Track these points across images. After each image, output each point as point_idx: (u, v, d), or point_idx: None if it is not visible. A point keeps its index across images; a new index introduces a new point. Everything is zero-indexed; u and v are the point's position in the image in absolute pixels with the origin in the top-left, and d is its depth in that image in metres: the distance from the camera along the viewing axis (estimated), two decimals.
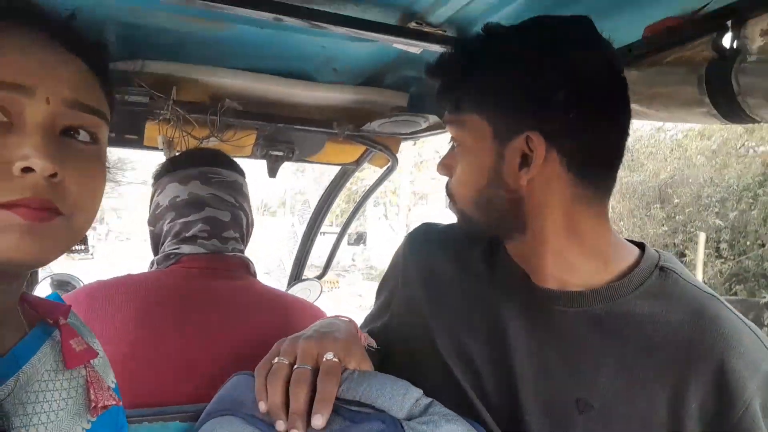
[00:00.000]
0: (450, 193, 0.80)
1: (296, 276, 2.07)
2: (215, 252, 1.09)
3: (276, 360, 0.68)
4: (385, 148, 1.54)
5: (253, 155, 1.50)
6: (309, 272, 2.19)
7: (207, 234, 1.09)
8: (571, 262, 0.73)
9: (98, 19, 1.03)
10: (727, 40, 0.72)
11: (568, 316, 0.72)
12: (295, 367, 0.66)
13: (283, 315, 1.07)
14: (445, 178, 0.82)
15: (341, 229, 2.05)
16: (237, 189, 1.15)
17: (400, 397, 0.62)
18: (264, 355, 0.79)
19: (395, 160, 1.61)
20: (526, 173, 0.69)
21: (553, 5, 0.91)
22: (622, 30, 0.85)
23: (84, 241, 0.66)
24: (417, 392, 0.64)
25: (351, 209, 2.03)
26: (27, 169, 0.50)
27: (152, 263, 1.13)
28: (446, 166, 0.80)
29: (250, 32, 1.09)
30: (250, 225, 1.20)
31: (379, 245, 18.06)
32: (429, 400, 0.64)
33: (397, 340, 0.85)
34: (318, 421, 0.60)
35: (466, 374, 0.75)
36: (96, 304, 0.96)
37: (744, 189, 10.84)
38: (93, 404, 0.62)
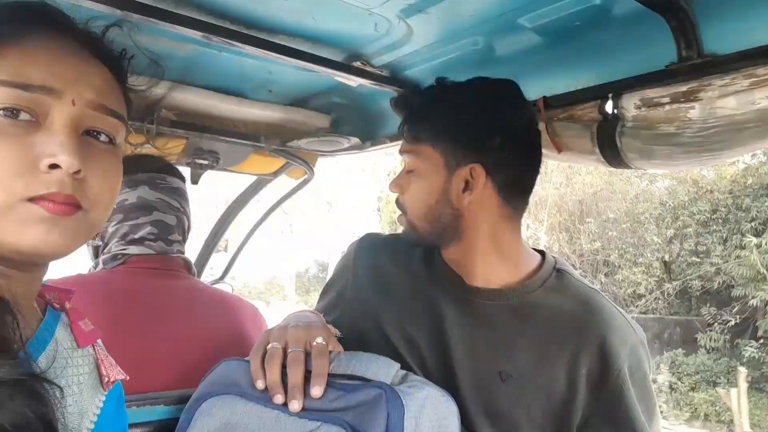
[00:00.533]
0: (402, 208, 0.99)
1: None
2: (161, 253, 1.16)
3: (270, 345, 0.80)
4: (304, 162, 1.67)
5: (178, 162, 1.55)
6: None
7: (154, 236, 1.15)
8: (494, 265, 0.95)
9: None
10: (609, 108, 0.97)
11: (492, 307, 0.93)
12: (290, 350, 0.79)
13: (229, 309, 1.18)
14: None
15: (246, 235, 2.12)
16: (181, 195, 1.23)
17: (385, 368, 0.78)
18: (220, 345, 0.90)
19: (312, 173, 1.74)
20: (469, 195, 0.91)
21: (469, 67, 1.12)
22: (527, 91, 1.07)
23: (98, 234, 0.70)
24: (396, 365, 0.80)
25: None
26: (53, 166, 0.53)
27: (97, 263, 1.16)
28: (399, 185, 1.00)
29: (195, 50, 1.17)
30: (189, 229, 1.27)
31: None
32: (404, 371, 0.80)
33: (350, 333, 1.00)
34: (316, 392, 0.74)
35: (413, 356, 0.95)
36: None
37: (678, 206, 10.91)
38: (105, 379, 0.69)
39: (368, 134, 1.54)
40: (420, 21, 0.97)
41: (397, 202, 1.02)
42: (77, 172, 0.55)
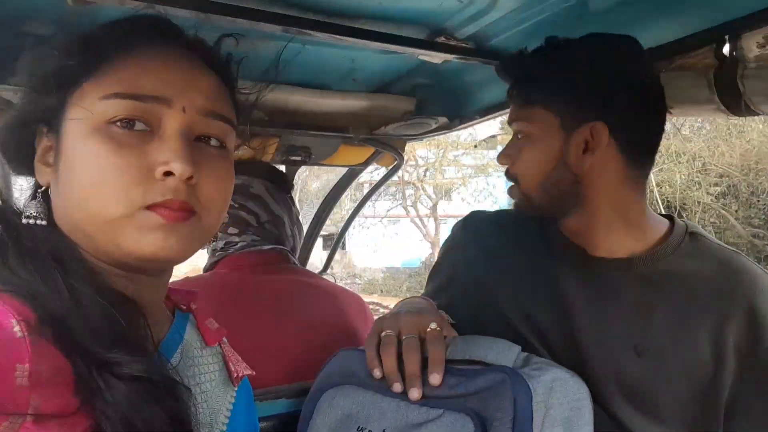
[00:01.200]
0: (513, 179, 0.93)
1: None
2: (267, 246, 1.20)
3: (384, 333, 0.79)
4: (393, 149, 1.65)
5: (273, 161, 1.59)
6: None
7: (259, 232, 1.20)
8: (619, 233, 0.88)
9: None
10: (726, 51, 0.87)
11: (620, 278, 0.86)
12: (404, 337, 0.77)
13: (335, 301, 1.19)
14: None
15: (344, 225, 2.15)
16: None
17: (506, 351, 0.74)
18: (331, 337, 0.90)
19: (401, 159, 1.72)
20: (590, 157, 0.84)
21: (559, 27, 1.05)
22: None
23: (215, 236, 0.73)
24: (517, 347, 0.77)
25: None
26: (168, 173, 0.55)
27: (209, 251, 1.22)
28: (509, 156, 0.93)
29: (281, 46, 1.18)
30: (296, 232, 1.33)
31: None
32: (526, 353, 0.77)
33: (464, 314, 0.97)
34: (435, 379, 0.72)
35: (534, 334, 0.89)
36: None
37: None
38: (235, 375, 0.72)
39: (456, 112, 1.50)
40: None
41: (507, 174, 0.95)
42: (190, 178, 0.56)
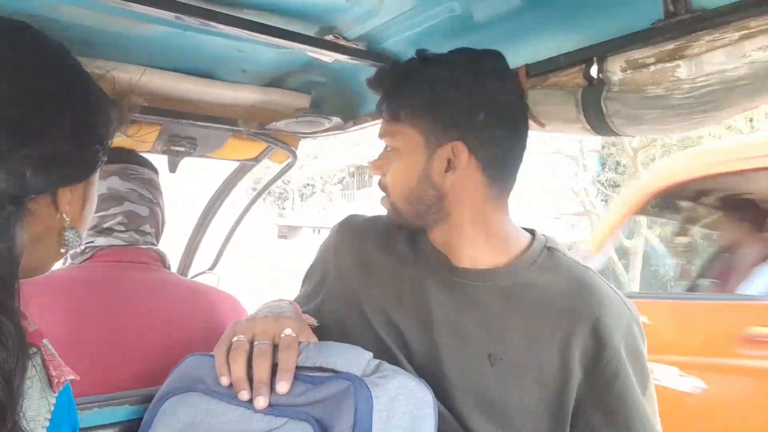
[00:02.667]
0: (384, 189, 0.94)
1: (183, 271, 2.06)
2: (131, 244, 1.11)
3: (235, 338, 0.76)
4: (286, 145, 1.62)
5: (153, 150, 1.50)
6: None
7: (124, 227, 1.11)
8: (481, 246, 0.90)
9: (5, 11, 1.00)
10: (594, 72, 0.92)
11: (480, 288, 0.88)
12: (256, 343, 0.75)
13: (205, 302, 1.13)
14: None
15: (235, 222, 2.07)
16: (155, 186, 1.18)
17: (355, 359, 0.73)
18: (194, 339, 0.86)
19: (294, 157, 1.68)
20: (452, 175, 0.86)
21: (447, 36, 1.07)
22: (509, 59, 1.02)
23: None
24: (368, 354, 0.76)
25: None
26: None
27: (65, 258, 1.12)
28: (379, 166, 0.94)
29: (163, 31, 1.12)
30: (163, 222, 1.23)
31: None
32: (377, 361, 0.76)
33: (331, 319, 0.96)
34: (282, 387, 0.69)
35: (395, 341, 0.89)
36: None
37: None
38: (56, 380, 0.66)
39: (350, 113, 1.49)
40: None
41: (380, 183, 0.97)
42: None
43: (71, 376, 0.67)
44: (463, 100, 0.86)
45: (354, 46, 1.15)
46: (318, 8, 1.02)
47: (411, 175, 0.89)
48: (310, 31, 1.10)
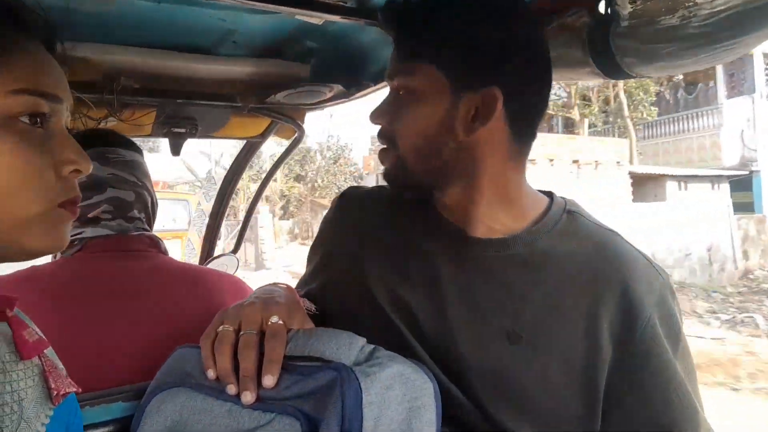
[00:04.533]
0: (389, 140, 0.82)
1: (208, 254, 2.04)
2: (121, 232, 1.06)
3: (221, 328, 0.70)
4: (290, 119, 1.55)
5: (153, 134, 1.46)
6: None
7: (111, 215, 1.06)
8: (498, 212, 0.80)
9: None
10: (601, 7, 0.81)
11: (496, 259, 0.79)
12: (241, 333, 0.69)
13: (203, 287, 1.08)
14: None
15: (251, 202, 2.03)
16: (138, 168, 1.12)
17: (346, 346, 0.67)
18: (191, 328, 0.81)
19: (302, 131, 1.62)
20: (481, 125, 0.75)
21: None
22: None
23: None
24: (361, 340, 0.69)
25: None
26: (77, 171, 0.59)
27: (55, 255, 1.08)
28: (385, 112, 0.82)
29: (141, 6, 1.06)
30: (154, 205, 1.17)
31: None
32: (372, 346, 0.69)
33: (336, 298, 0.89)
34: (268, 381, 0.64)
35: (404, 319, 0.80)
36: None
37: None
38: (55, 392, 0.63)
39: (351, 80, 1.41)
40: None
41: (382, 133, 0.84)
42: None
43: (72, 389, 0.64)
44: (500, 40, 0.74)
45: (342, 4, 1.06)
46: None
47: (429, 123, 0.77)
48: None
